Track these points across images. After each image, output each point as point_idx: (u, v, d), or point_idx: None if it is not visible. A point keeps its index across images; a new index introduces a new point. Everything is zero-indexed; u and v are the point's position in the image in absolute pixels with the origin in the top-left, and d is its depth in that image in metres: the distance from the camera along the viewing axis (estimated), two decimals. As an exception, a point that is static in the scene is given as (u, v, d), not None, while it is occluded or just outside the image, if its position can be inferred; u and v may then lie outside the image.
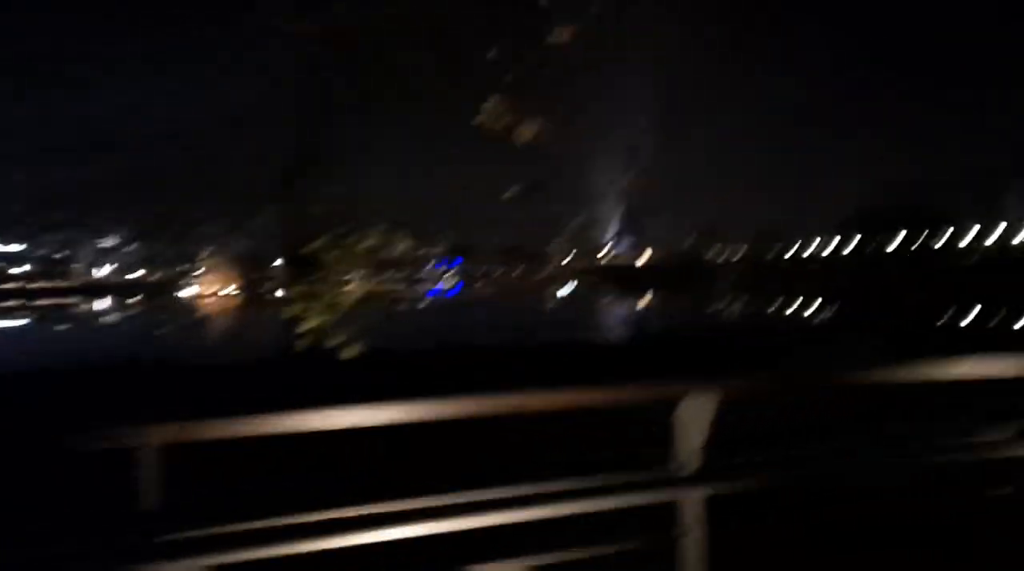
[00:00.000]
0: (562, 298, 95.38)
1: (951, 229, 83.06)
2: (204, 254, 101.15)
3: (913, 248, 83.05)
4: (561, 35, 6.14)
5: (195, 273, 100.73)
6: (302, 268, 6.63)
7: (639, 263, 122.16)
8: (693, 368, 2.49)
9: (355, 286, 6.90)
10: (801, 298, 61.05)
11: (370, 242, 6.73)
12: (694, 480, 2.49)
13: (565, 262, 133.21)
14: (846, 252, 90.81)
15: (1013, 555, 3.04)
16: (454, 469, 2.31)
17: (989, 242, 79.96)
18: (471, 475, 2.26)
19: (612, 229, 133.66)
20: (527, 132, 6.36)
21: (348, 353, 6.70)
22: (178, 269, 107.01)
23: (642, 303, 74.48)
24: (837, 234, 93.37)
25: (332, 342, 6.66)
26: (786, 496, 2.68)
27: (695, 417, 2.45)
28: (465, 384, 2.34)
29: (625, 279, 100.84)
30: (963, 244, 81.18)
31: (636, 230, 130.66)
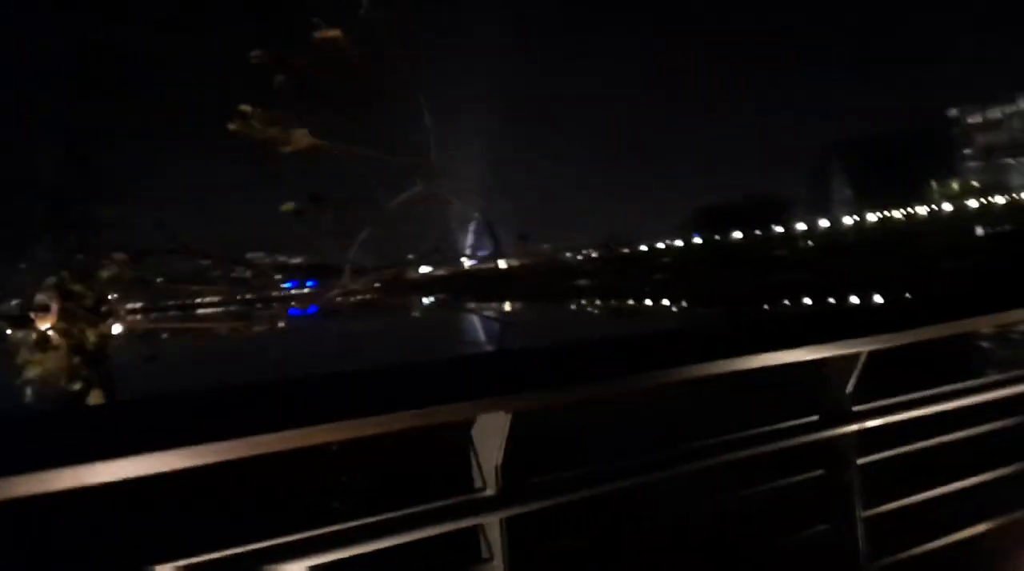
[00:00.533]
0: (426, 308, 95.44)
1: (788, 218, 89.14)
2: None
3: (754, 239, 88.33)
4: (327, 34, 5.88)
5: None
6: (61, 301, 5.81)
7: (500, 268, 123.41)
8: (487, 386, 2.44)
9: (111, 322, 6.08)
10: (655, 294, 63.88)
11: (119, 271, 5.95)
12: (491, 504, 2.42)
13: (425, 273, 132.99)
14: (692, 248, 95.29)
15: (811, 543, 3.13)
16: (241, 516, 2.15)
17: (822, 227, 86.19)
18: (261, 520, 2.10)
19: (468, 238, 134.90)
20: (296, 141, 6.03)
21: (92, 399, 5.87)
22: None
23: (507, 307, 75.54)
24: (682, 232, 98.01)
25: (69, 387, 5.79)
26: (592, 512, 2.66)
27: (490, 437, 2.41)
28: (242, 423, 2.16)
29: (487, 286, 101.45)
30: (799, 230, 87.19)
31: (494, 238, 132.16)
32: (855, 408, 3.12)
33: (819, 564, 3.15)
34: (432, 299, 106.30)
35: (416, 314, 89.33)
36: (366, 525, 2.20)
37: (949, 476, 3.28)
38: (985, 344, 19.61)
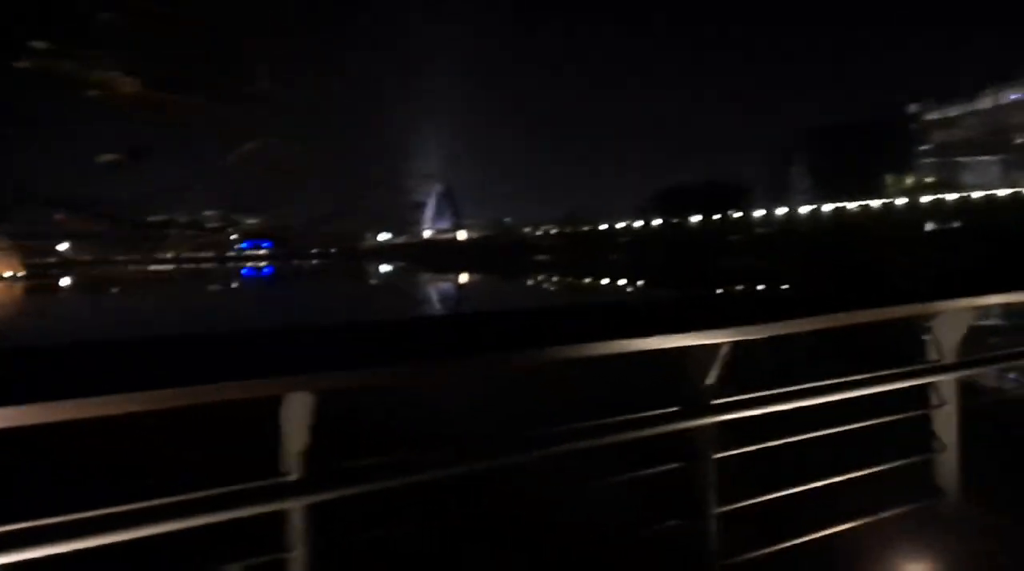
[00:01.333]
0: (384, 275, 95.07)
1: (746, 204, 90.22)
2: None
3: (712, 222, 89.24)
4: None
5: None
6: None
7: (459, 240, 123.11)
8: (295, 362, 2.31)
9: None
10: (612, 273, 64.30)
11: None
12: (293, 489, 2.29)
13: (384, 240, 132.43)
14: (652, 228, 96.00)
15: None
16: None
17: (779, 214, 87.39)
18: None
19: (428, 209, 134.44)
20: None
21: None
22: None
23: (463, 278, 75.66)
24: (642, 214, 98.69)
25: None
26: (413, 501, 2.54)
27: (296, 418, 2.30)
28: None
29: (445, 256, 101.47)
30: (757, 216, 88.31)
31: (454, 211, 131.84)
32: (714, 401, 3.06)
33: (670, 559, 3.12)
34: (391, 267, 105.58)
35: (374, 281, 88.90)
36: (155, 507, 2.06)
37: (813, 475, 3.24)
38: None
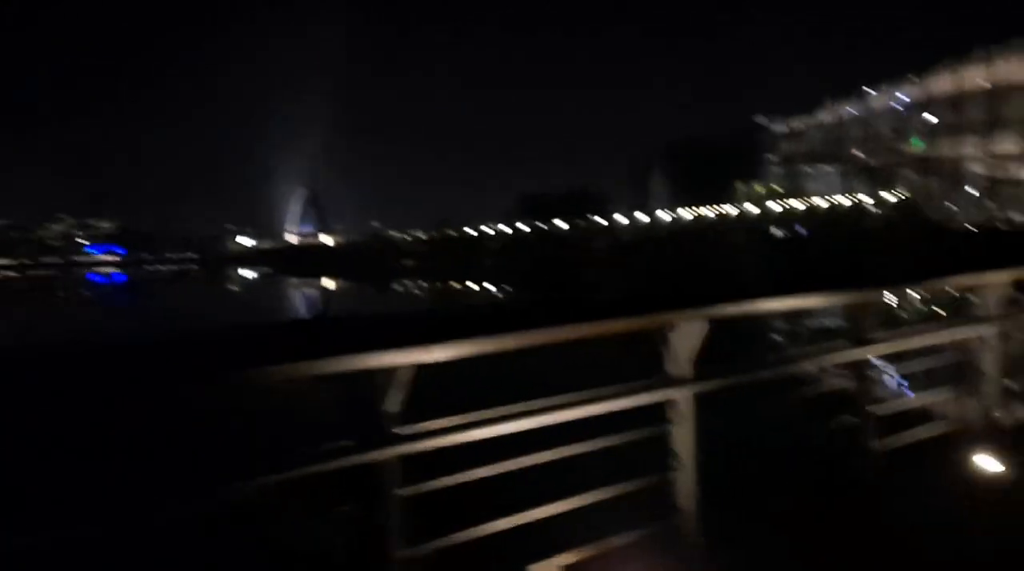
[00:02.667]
0: (248, 282, 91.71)
1: (607, 212, 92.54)
2: None
3: (576, 229, 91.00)
4: None
5: None
6: None
7: (324, 245, 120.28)
8: None
9: None
10: (480, 277, 64.46)
11: None
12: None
13: (249, 245, 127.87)
14: (520, 234, 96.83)
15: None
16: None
17: (641, 221, 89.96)
18: None
19: (294, 214, 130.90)
20: None
21: None
22: None
23: (330, 284, 73.94)
24: (510, 220, 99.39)
25: None
26: None
27: None
28: None
29: (311, 261, 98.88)
30: (621, 224, 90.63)
31: (320, 216, 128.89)
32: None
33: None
34: (254, 273, 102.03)
35: (235, 288, 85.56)
36: None
37: (541, 500, 3.07)
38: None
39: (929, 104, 73.76)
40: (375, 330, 3.00)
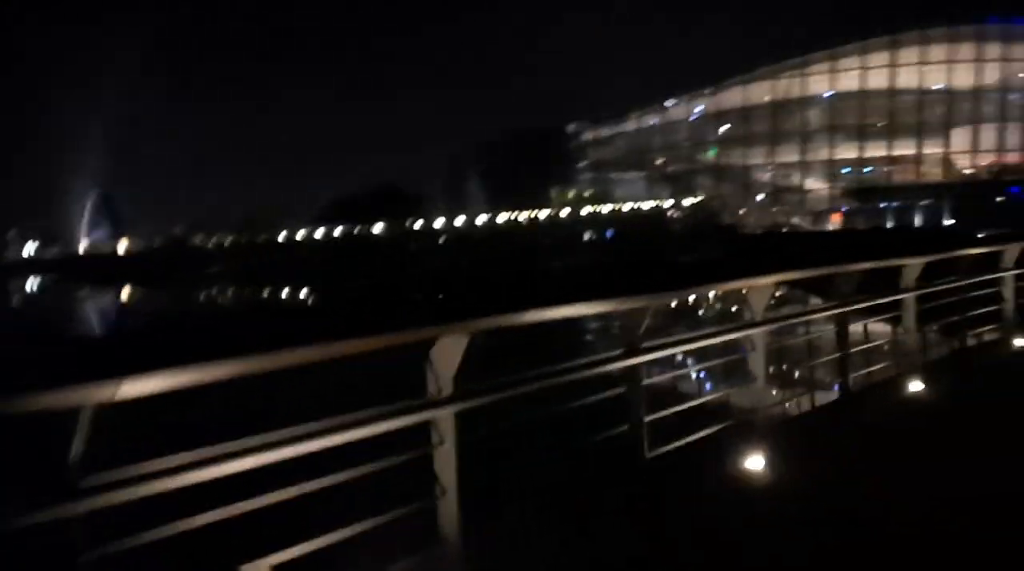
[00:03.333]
0: (31, 293, 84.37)
1: (422, 214, 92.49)
2: None
3: (391, 232, 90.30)
4: None
5: None
6: None
7: (118, 252, 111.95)
8: None
9: None
10: (289, 283, 62.61)
11: None
12: None
13: (28, 254, 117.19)
14: (330, 238, 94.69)
15: None
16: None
17: (457, 224, 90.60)
18: None
19: (88, 219, 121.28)
20: None
21: None
22: None
23: (123, 294, 69.36)
24: (322, 223, 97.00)
25: None
26: None
27: None
28: None
29: (105, 269, 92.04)
30: (436, 226, 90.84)
31: (116, 221, 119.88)
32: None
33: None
34: (38, 283, 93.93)
35: (15, 300, 78.27)
36: None
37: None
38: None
39: (721, 115, 79.23)
40: (55, 361, 2.52)
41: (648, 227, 75.15)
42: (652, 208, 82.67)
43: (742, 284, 5.41)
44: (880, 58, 73.31)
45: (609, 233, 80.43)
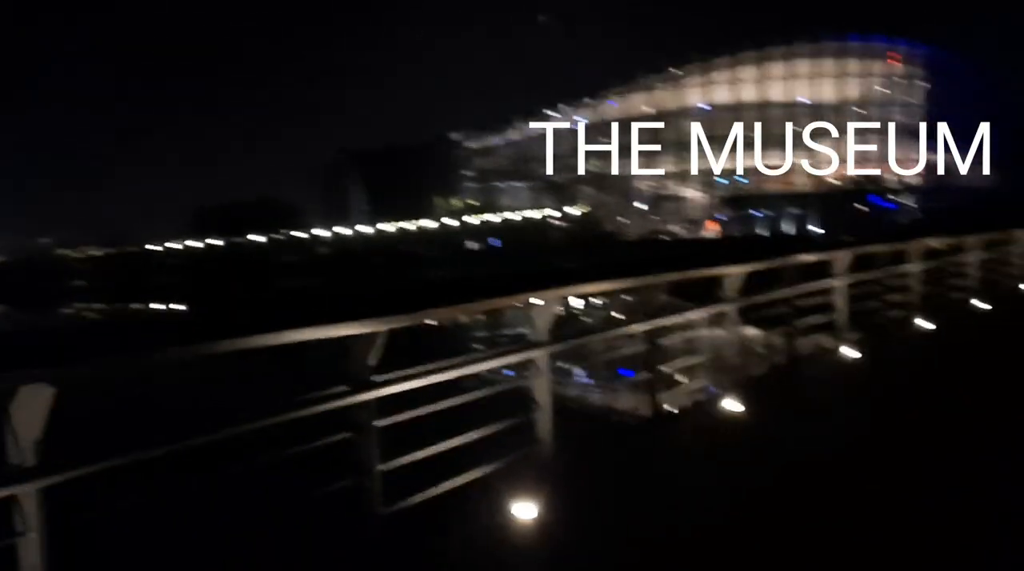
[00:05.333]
0: None
1: (301, 224, 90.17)
2: None
3: (269, 243, 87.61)
4: None
5: None
6: None
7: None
8: None
9: None
10: (161, 296, 60.20)
11: None
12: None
13: None
14: (204, 250, 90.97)
15: None
16: None
17: (336, 232, 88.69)
18: None
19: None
20: None
21: None
22: None
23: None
24: (197, 234, 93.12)
25: None
26: None
27: None
28: None
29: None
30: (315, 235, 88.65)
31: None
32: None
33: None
34: None
35: None
36: None
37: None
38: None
39: (603, 126, 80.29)
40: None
41: (534, 236, 75.57)
42: (527, 218, 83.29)
43: (507, 302, 4.89)
44: (749, 72, 76.16)
45: (494, 242, 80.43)
